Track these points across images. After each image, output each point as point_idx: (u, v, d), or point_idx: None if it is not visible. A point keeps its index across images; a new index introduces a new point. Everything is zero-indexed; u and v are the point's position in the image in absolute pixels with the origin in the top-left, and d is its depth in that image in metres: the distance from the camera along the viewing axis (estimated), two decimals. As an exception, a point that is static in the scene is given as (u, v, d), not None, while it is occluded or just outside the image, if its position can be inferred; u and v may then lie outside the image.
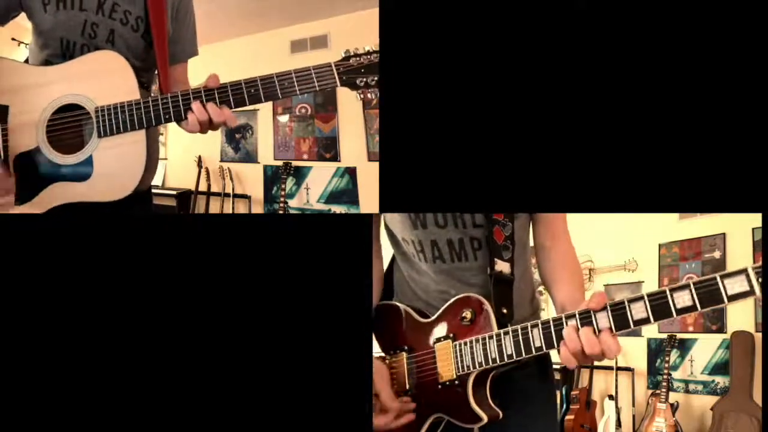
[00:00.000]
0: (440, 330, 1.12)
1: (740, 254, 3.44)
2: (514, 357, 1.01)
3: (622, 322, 0.91)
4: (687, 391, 3.69)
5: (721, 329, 3.58)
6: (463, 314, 1.09)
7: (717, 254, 3.59)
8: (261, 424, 0.96)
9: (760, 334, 3.33)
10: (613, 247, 4.02)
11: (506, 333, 1.03)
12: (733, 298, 0.83)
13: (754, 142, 1.04)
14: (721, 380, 3.54)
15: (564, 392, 3.74)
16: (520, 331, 1.01)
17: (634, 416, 3.76)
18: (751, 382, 3.33)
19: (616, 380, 3.78)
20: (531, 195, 1.10)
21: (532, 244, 1.26)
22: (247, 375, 0.97)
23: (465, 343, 1.07)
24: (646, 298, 0.90)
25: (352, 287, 1.00)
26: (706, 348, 3.63)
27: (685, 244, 3.78)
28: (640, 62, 1.05)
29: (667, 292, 0.87)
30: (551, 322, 0.98)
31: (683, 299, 0.86)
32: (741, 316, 3.47)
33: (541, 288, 1.32)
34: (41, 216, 1.18)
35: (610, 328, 0.92)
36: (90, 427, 0.94)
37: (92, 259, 0.97)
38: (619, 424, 3.66)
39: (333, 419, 0.97)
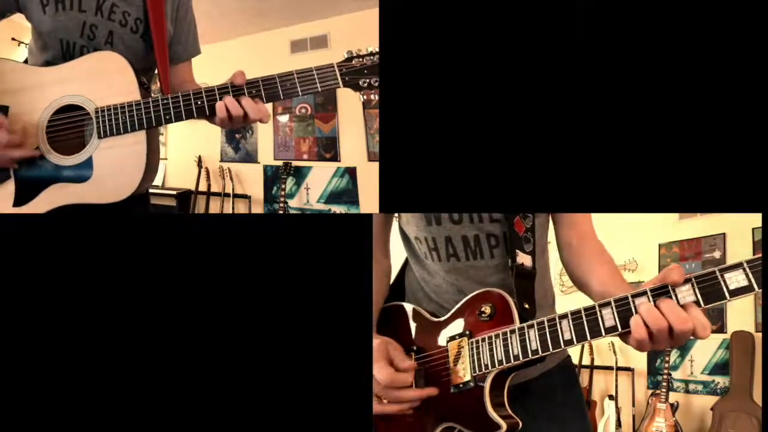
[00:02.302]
0: (455, 327, 1.03)
1: (740, 254, 3.44)
2: (540, 352, 0.90)
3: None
4: (687, 391, 3.69)
5: (721, 329, 3.58)
6: (482, 309, 1.00)
7: (717, 254, 3.59)
8: (261, 424, 0.96)
9: (760, 334, 3.33)
10: (613, 247, 4.01)
11: (530, 326, 0.92)
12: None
13: (754, 142, 1.04)
14: (721, 380, 3.54)
15: (564, 392, 3.73)
16: (546, 323, 0.90)
17: (634, 416, 3.76)
18: (751, 382, 3.34)
19: (616, 380, 3.79)
20: (531, 195, 1.10)
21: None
22: (247, 375, 0.97)
23: (483, 340, 0.97)
24: (694, 280, 0.81)
25: (352, 287, 0.99)
26: (706, 348, 3.63)
27: (685, 244, 3.78)
28: (641, 62, 1.05)
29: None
30: (583, 311, 0.87)
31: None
32: (741, 316, 3.47)
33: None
34: (40, 215, 1.18)
35: (696, 302, 0.79)
36: (90, 427, 0.94)
37: (92, 258, 0.97)
38: (619, 424, 3.65)
39: (333, 419, 0.97)
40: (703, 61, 1.04)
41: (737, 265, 0.80)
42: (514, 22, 1.08)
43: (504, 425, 0.93)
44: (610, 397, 3.71)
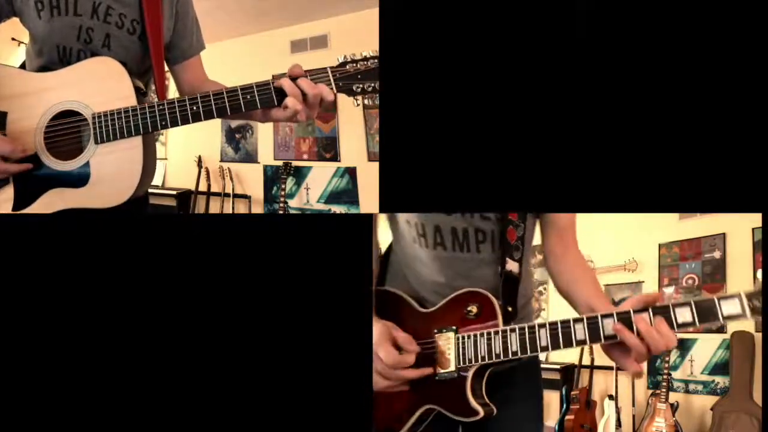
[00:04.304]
0: (442, 321, 1.12)
1: (740, 254, 3.44)
2: (519, 354, 1.02)
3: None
4: (687, 391, 3.69)
5: (721, 329, 3.57)
6: (469, 308, 1.09)
7: (717, 254, 3.59)
8: (261, 424, 0.96)
9: (760, 334, 3.33)
10: (613, 247, 4.02)
11: (512, 330, 1.04)
12: (728, 318, 0.91)
13: (754, 142, 1.04)
14: (721, 380, 3.54)
15: (564, 392, 3.74)
16: (527, 329, 1.02)
17: (634, 416, 3.76)
18: (751, 382, 3.33)
19: (616, 380, 3.78)
20: (531, 195, 1.10)
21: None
22: (247, 375, 0.97)
23: (468, 337, 1.08)
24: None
25: (352, 287, 1.00)
26: (706, 348, 3.63)
27: (685, 244, 3.78)
28: (641, 62, 1.05)
29: (670, 307, 0.94)
30: (559, 323, 1.00)
31: (684, 315, 0.93)
32: (741, 316, 3.47)
33: (541, 288, 1.33)
34: (41, 216, 1.18)
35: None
36: (89, 428, 0.94)
37: (92, 259, 0.97)
38: (619, 424, 3.65)
39: (333, 418, 0.97)
40: (702, 61, 1.04)
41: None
42: (514, 22, 1.08)
43: (482, 412, 1.05)
44: (610, 397, 3.71)
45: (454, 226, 1.15)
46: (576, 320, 0.99)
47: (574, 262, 1.19)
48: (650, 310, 0.95)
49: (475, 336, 1.07)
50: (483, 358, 1.05)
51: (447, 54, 1.09)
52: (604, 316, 0.97)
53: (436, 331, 1.12)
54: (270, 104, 1.17)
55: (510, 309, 1.10)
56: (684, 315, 0.93)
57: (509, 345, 1.03)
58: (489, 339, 1.05)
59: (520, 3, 1.08)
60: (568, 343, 0.99)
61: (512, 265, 1.13)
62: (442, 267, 1.17)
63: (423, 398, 1.11)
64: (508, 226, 1.14)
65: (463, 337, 1.08)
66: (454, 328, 1.10)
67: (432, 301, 1.16)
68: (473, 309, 1.09)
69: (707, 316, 0.92)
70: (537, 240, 1.26)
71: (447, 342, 1.10)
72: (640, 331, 0.93)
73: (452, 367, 1.08)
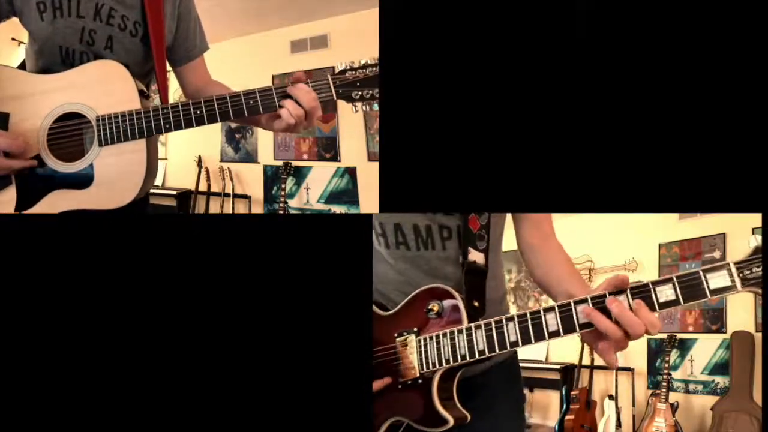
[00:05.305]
0: (402, 323, 1.04)
1: (740, 254, 3.43)
2: (487, 353, 0.93)
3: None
4: (687, 391, 3.70)
5: (721, 329, 3.58)
6: (430, 306, 1.01)
7: (717, 254, 3.59)
8: (260, 424, 0.96)
9: (760, 334, 3.34)
10: (613, 247, 4.03)
11: (478, 327, 0.95)
12: (715, 292, 0.83)
13: (754, 142, 1.04)
14: (721, 380, 3.54)
15: (564, 392, 3.74)
16: (494, 324, 0.93)
17: (634, 416, 3.76)
18: (751, 382, 3.34)
19: (616, 380, 3.79)
20: (531, 195, 1.10)
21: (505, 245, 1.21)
22: (247, 375, 0.97)
23: (430, 338, 0.99)
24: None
25: (352, 287, 0.99)
26: (706, 348, 3.64)
27: (685, 244, 3.78)
28: (640, 62, 1.05)
29: (650, 286, 0.85)
30: (528, 315, 0.91)
31: (665, 293, 0.85)
32: (741, 316, 3.48)
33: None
34: (42, 217, 1.18)
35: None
36: (90, 428, 0.94)
37: (91, 259, 0.97)
38: (619, 424, 3.66)
39: (332, 419, 0.97)
40: (702, 61, 1.04)
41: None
42: (514, 21, 1.08)
43: (451, 420, 0.95)
44: (610, 397, 3.71)
45: (416, 224, 1.09)
46: (547, 309, 0.89)
47: (552, 252, 1.12)
48: (628, 290, 0.85)
49: (437, 336, 0.98)
50: (448, 361, 0.96)
51: (447, 53, 1.09)
52: (577, 302, 0.88)
53: (396, 334, 1.03)
54: (272, 109, 1.19)
55: (476, 304, 1.01)
56: (666, 293, 0.84)
57: (475, 344, 0.94)
58: (452, 339, 0.96)
59: (521, 4, 1.08)
60: (540, 337, 0.90)
61: (476, 256, 1.05)
62: (406, 267, 1.11)
63: (388, 411, 1.02)
64: (470, 215, 1.07)
65: (425, 339, 0.99)
66: (415, 329, 1.01)
67: (398, 302, 1.09)
68: (434, 307, 1.00)
69: (693, 293, 0.82)
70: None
71: (408, 346, 1.01)
72: (614, 315, 0.84)
73: (416, 373, 0.99)
